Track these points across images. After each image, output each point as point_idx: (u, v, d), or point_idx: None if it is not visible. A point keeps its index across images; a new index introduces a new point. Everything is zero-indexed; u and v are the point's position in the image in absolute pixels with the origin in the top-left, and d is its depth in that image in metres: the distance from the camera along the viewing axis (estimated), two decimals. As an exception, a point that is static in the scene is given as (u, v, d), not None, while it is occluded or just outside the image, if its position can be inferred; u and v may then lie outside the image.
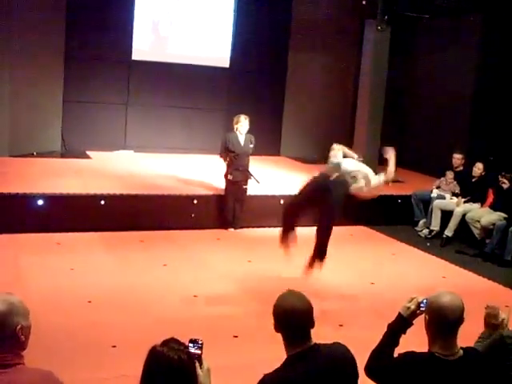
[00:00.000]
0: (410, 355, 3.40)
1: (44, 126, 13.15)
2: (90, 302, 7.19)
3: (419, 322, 3.56)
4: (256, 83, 14.74)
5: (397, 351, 3.55)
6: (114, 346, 6.13)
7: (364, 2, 12.91)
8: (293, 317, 3.23)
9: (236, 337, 6.59)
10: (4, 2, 11.84)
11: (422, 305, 3.53)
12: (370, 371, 3.52)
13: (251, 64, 14.73)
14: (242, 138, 10.54)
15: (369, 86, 13.23)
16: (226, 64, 14.86)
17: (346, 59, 14.95)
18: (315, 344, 3.26)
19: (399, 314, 3.61)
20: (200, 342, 2.99)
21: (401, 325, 3.59)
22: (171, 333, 3.00)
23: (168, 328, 6.05)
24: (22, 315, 2.99)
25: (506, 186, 10.65)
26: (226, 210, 10.68)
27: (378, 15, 12.76)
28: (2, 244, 8.92)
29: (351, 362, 3.32)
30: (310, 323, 3.26)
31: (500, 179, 10.73)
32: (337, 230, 8.78)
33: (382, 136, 13.22)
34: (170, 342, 2.87)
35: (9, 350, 2.95)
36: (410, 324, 3.59)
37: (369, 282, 8.69)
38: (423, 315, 3.48)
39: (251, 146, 10.60)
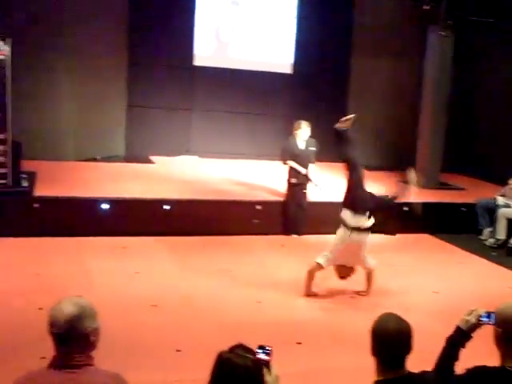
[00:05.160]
0: (480, 369, 3.33)
1: (108, 130, 13.36)
2: (154, 305, 7.26)
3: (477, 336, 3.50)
4: (318, 89, 14.64)
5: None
6: (179, 350, 6.17)
7: (427, 7, 12.72)
8: (394, 341, 3.14)
9: (299, 343, 6.56)
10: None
11: (482, 318, 3.46)
12: None
13: (314, 70, 14.65)
14: (302, 144, 10.55)
15: (432, 92, 13.07)
16: (289, 70, 14.86)
17: (408, 65, 14.78)
18: (409, 373, 3.17)
19: (457, 327, 3.54)
20: (268, 349, 2.97)
21: (459, 338, 3.52)
22: (234, 338, 3.00)
23: (231, 333, 6.10)
24: (92, 317, 3.08)
25: None
26: (288, 215, 10.66)
27: (441, 21, 12.59)
28: (69, 247, 9.10)
29: None
30: (409, 350, 3.17)
31: None
32: (401, 238, 8.71)
33: (446, 142, 13.05)
34: (237, 349, 2.87)
35: (80, 351, 3.04)
36: (470, 337, 3.52)
37: (431, 291, 8.56)
38: (492, 328, 3.39)
39: (312, 149, 10.56)
